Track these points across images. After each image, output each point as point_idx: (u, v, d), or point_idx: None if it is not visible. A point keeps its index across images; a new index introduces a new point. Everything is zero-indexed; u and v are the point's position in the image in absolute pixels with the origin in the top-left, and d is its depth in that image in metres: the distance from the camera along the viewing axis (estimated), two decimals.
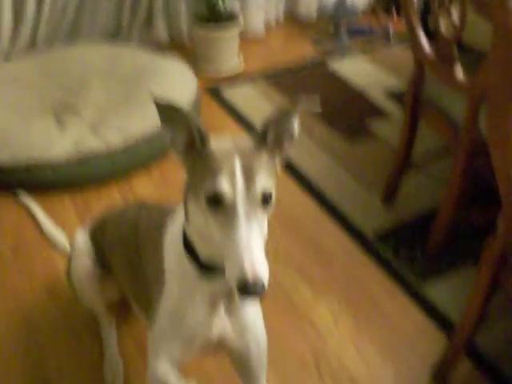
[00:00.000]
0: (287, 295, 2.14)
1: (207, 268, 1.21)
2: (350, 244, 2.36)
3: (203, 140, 1.11)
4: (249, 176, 1.04)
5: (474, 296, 1.70)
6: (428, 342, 2.00)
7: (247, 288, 0.98)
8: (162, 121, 1.12)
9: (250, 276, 0.98)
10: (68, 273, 1.88)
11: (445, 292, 2.16)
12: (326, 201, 2.57)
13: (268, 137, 1.13)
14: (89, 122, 2.71)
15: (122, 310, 2.03)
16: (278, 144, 1.15)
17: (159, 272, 1.33)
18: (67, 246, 2.19)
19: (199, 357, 1.60)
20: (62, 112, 2.77)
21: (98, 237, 1.81)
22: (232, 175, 1.04)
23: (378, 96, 3.28)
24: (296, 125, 1.17)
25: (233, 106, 3.20)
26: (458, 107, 2.07)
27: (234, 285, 1.01)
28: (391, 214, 2.49)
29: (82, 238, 1.86)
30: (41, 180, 2.54)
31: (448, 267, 2.26)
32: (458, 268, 2.24)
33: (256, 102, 3.23)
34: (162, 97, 1.09)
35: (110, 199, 2.56)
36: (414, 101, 2.26)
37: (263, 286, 0.99)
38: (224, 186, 1.03)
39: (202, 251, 1.20)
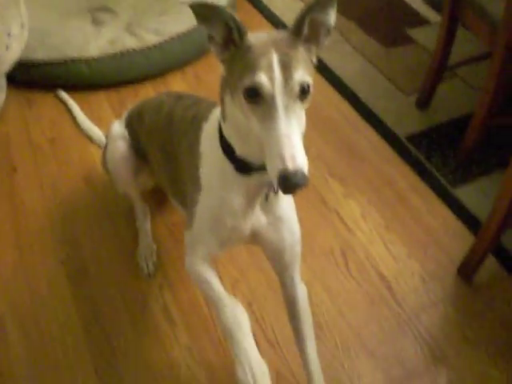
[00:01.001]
0: (318, 192, 2.17)
1: (243, 165, 1.23)
2: (382, 145, 2.37)
3: (241, 32, 1.10)
4: (286, 68, 1.04)
5: (502, 193, 1.71)
6: (456, 241, 2.02)
7: (289, 179, 0.99)
8: (198, 21, 1.11)
9: (291, 167, 0.98)
10: (103, 156, 1.93)
11: (475, 195, 2.17)
12: (360, 103, 2.56)
13: (304, 29, 1.11)
14: (124, 22, 2.71)
15: (156, 197, 2.08)
16: (315, 36, 1.13)
17: (196, 170, 1.36)
18: (103, 139, 2.24)
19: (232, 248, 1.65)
20: (98, 13, 2.77)
21: (135, 124, 1.84)
22: (270, 67, 1.04)
23: (417, 2, 3.18)
24: (333, 15, 1.14)
25: (268, 7, 3.15)
26: (496, 5, 2.01)
27: (275, 176, 1.01)
28: (425, 118, 2.48)
29: (119, 126, 1.90)
30: (77, 76, 2.57)
31: (479, 172, 2.26)
32: (489, 173, 2.24)
33: (292, 6, 3.17)
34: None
35: (145, 97, 2.57)
36: (453, 0, 2.20)
37: (304, 176, 1.00)
38: (262, 77, 1.03)
39: (239, 148, 1.21)
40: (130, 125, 1.88)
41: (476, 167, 2.26)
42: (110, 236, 2.06)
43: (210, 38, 1.13)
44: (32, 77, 2.59)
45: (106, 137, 1.97)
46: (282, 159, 0.99)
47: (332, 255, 1.99)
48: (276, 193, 1.32)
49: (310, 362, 1.53)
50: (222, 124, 1.25)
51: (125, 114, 1.94)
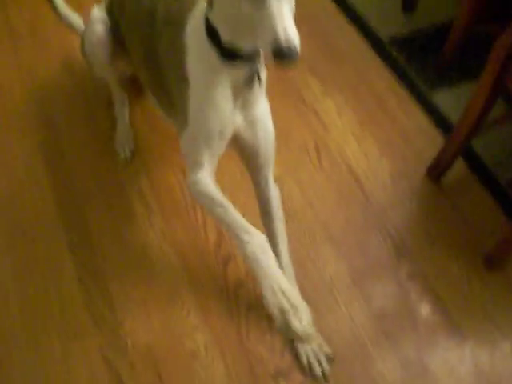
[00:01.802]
0: (297, 89, 2.19)
1: (228, 51, 1.26)
2: (363, 45, 2.37)
3: None
4: None
5: (476, 95, 1.74)
6: (428, 143, 2.07)
7: (282, 51, 1.03)
8: None
9: (283, 38, 1.03)
10: (82, 39, 1.92)
11: (451, 100, 2.19)
12: (345, 2, 2.53)
13: None
14: None
15: (134, 85, 2.08)
16: None
17: (182, 66, 1.37)
18: (82, 26, 2.21)
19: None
20: None
21: (116, 12, 1.82)
22: None
23: None
24: None
25: None
26: None
27: (268, 50, 1.05)
28: (409, 22, 2.47)
29: (98, 10, 1.88)
30: None
31: (457, 78, 2.27)
32: (467, 80, 2.26)
33: None
34: None
35: None
36: None
37: (296, 48, 1.04)
38: None
39: (226, 33, 1.23)
40: (110, 10, 1.85)
41: (454, 73, 2.28)
42: (88, 121, 2.08)
43: None
44: None
45: (86, 21, 1.95)
46: (276, 34, 1.04)
47: (306, 150, 2.03)
48: (259, 79, 1.35)
49: (282, 259, 1.61)
50: (208, 12, 1.26)
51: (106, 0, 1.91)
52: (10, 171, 1.94)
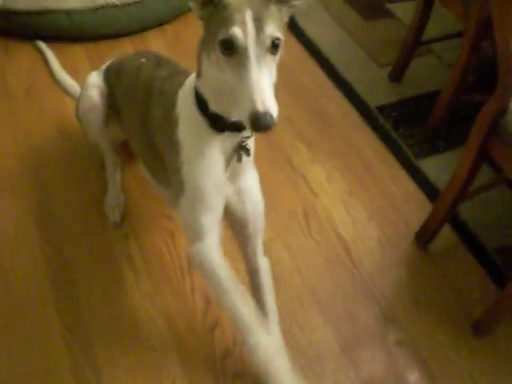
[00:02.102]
0: (286, 154, 2.23)
1: (216, 121, 1.31)
2: (352, 113, 2.43)
3: None
4: (259, 24, 1.12)
5: (462, 162, 1.78)
6: (416, 210, 2.09)
7: (258, 119, 1.07)
8: None
9: (259, 106, 1.07)
10: (77, 104, 1.96)
11: (438, 168, 2.24)
12: (334, 71, 2.61)
13: None
14: None
15: (126, 150, 2.11)
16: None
17: (173, 136, 1.41)
18: (78, 91, 2.26)
19: None
20: None
21: (112, 80, 1.87)
22: (244, 22, 1.12)
23: None
24: None
25: None
26: None
27: (246, 118, 1.09)
28: (396, 91, 2.54)
29: (95, 76, 1.93)
30: (56, 27, 2.58)
31: (444, 147, 2.33)
32: (453, 148, 2.31)
33: None
34: None
35: (123, 53, 2.59)
36: None
37: (272, 117, 1.08)
38: (237, 31, 1.11)
39: (213, 103, 1.29)
40: (107, 79, 1.91)
41: (441, 142, 2.33)
42: (80, 185, 2.10)
43: None
44: (11, 25, 2.60)
45: (82, 85, 2.00)
46: (253, 102, 1.08)
47: (295, 215, 2.05)
48: (246, 154, 1.38)
49: (272, 330, 1.60)
50: (197, 82, 1.32)
51: (103, 67, 1.97)
52: (2, 231, 1.94)
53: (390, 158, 2.26)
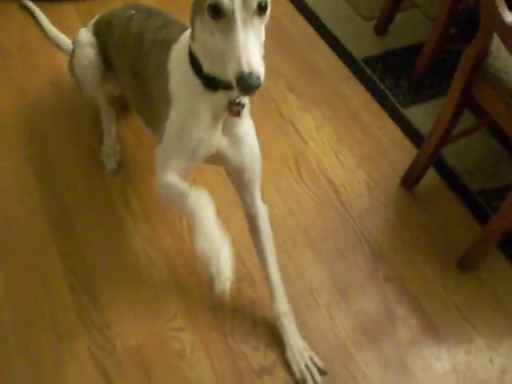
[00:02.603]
0: (276, 104, 2.29)
1: (210, 81, 1.35)
2: (339, 65, 2.49)
3: None
4: None
5: (445, 106, 1.85)
6: (402, 155, 2.17)
7: (244, 79, 1.11)
8: None
9: (245, 68, 1.11)
10: (70, 61, 2.01)
11: (423, 116, 2.31)
12: (321, 25, 2.66)
13: None
14: None
15: (121, 102, 2.16)
16: None
17: (165, 86, 1.46)
18: (70, 46, 2.30)
19: (199, 166, 1.75)
20: None
21: (103, 34, 1.91)
22: None
23: None
24: None
25: None
26: None
27: (233, 79, 1.14)
28: (382, 43, 2.60)
29: (86, 33, 1.96)
30: None
31: (429, 95, 2.39)
32: (437, 97, 2.37)
33: None
34: None
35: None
36: None
37: (258, 77, 1.12)
38: None
39: (207, 65, 1.33)
40: (97, 33, 1.94)
41: (426, 90, 2.40)
42: (76, 136, 2.15)
43: None
44: None
45: (73, 43, 2.04)
46: (239, 63, 1.11)
47: (285, 162, 2.13)
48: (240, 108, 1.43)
49: (272, 276, 1.68)
50: (191, 44, 1.36)
51: (92, 22, 2.00)
52: (1, 183, 2.00)
53: (376, 108, 2.33)
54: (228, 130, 1.49)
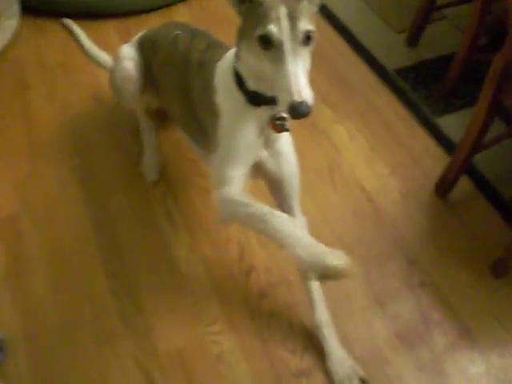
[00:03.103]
0: (311, 116, 2.34)
1: (254, 97, 1.43)
2: (371, 77, 2.54)
3: None
4: (292, 19, 1.24)
5: (476, 113, 1.89)
6: (434, 163, 2.21)
7: (296, 108, 1.19)
8: None
9: (297, 97, 1.18)
10: (112, 75, 2.09)
11: (454, 125, 2.35)
12: (353, 39, 2.72)
13: None
14: None
15: (160, 117, 2.25)
16: None
17: (212, 102, 1.54)
18: (110, 63, 2.40)
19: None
20: None
21: (147, 51, 1.99)
22: (278, 19, 1.24)
23: None
24: None
25: None
26: None
27: (284, 107, 1.21)
28: (413, 55, 2.65)
29: (128, 48, 2.05)
30: (84, 5, 2.72)
31: (460, 105, 2.43)
32: (468, 106, 2.40)
33: None
34: None
35: (151, 27, 2.71)
36: None
37: (308, 105, 1.20)
38: (273, 28, 1.23)
39: (251, 81, 1.41)
40: (141, 49, 2.02)
41: (457, 100, 2.44)
42: (117, 148, 2.24)
43: None
44: (44, 5, 2.74)
45: (115, 57, 2.12)
46: (290, 93, 1.19)
47: (320, 172, 2.18)
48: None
49: (312, 286, 1.71)
50: (236, 63, 1.44)
51: (135, 38, 2.08)
52: (47, 193, 2.09)
53: (408, 117, 2.37)
54: (268, 143, 1.56)
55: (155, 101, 2.13)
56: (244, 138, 1.51)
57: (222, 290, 1.86)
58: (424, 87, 2.49)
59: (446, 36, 2.73)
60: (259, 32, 1.25)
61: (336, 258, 1.31)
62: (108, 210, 2.05)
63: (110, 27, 2.75)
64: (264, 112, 1.46)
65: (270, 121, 1.47)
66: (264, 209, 1.43)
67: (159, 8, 2.82)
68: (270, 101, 1.40)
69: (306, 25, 1.25)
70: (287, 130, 1.51)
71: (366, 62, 2.61)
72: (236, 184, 1.55)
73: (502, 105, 1.80)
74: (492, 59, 1.77)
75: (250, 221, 1.47)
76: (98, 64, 2.49)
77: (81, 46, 2.59)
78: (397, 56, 2.63)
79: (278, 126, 1.48)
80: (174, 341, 1.75)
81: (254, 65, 1.33)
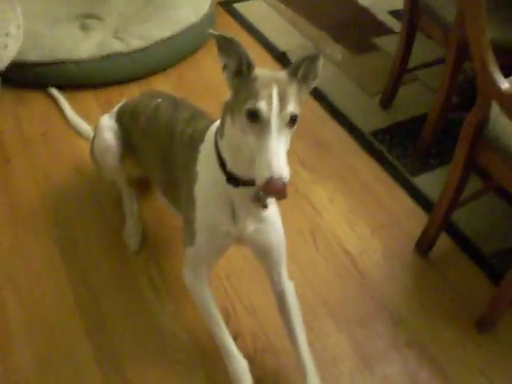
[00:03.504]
0: (290, 181, 2.35)
1: (234, 179, 1.47)
2: (348, 139, 2.60)
3: (250, 66, 1.35)
4: (282, 99, 1.29)
5: (452, 172, 1.93)
6: (414, 222, 2.24)
7: (273, 183, 1.22)
8: (218, 51, 1.36)
9: (275, 173, 1.22)
10: (91, 145, 2.13)
11: (431, 183, 2.40)
12: (329, 103, 2.80)
13: (299, 72, 1.37)
14: (111, 29, 2.93)
15: (141, 186, 2.27)
16: (305, 80, 1.40)
17: (191, 187, 1.59)
18: (91, 133, 2.43)
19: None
20: (86, 19, 2.98)
21: (126, 121, 2.04)
22: (270, 98, 1.29)
23: (382, 13, 3.45)
24: (319, 66, 1.42)
25: (245, 18, 3.39)
26: (448, 10, 2.25)
27: (260, 181, 1.24)
28: (388, 116, 2.72)
29: (108, 118, 2.10)
30: (67, 76, 2.77)
31: (435, 163, 2.50)
32: (444, 164, 2.47)
33: (267, 15, 3.44)
34: (220, 32, 1.33)
35: (131, 97, 2.77)
36: (412, 6, 2.44)
37: (284, 183, 1.23)
38: (263, 105, 1.28)
39: (230, 163, 1.46)
40: (120, 119, 2.07)
41: (433, 159, 2.50)
42: (99, 218, 2.24)
43: (225, 66, 1.37)
44: (25, 76, 2.79)
45: (95, 128, 2.16)
46: (270, 168, 1.22)
47: (302, 234, 2.20)
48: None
49: (302, 352, 1.69)
50: (218, 140, 1.48)
51: (115, 109, 2.13)
52: (29, 265, 2.08)
53: (386, 178, 2.42)
54: (254, 214, 1.58)
55: (136, 170, 2.16)
56: (222, 224, 1.56)
57: (208, 358, 1.83)
58: (400, 148, 2.55)
59: (419, 97, 2.82)
60: (250, 106, 1.28)
61: None
62: (90, 280, 2.03)
63: (90, 97, 2.80)
64: (242, 192, 1.49)
65: (254, 197, 1.50)
66: (228, 340, 1.68)
67: (138, 78, 2.88)
68: (247, 182, 1.44)
69: (293, 108, 1.30)
70: (266, 207, 1.54)
71: (342, 125, 2.67)
72: (204, 270, 1.72)
73: (476, 162, 1.85)
74: (464, 117, 1.83)
75: (210, 326, 1.72)
76: (80, 134, 2.54)
77: (64, 116, 2.64)
78: (372, 118, 2.70)
79: (261, 204, 1.52)
80: None
81: (236, 138, 1.37)
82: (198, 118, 1.77)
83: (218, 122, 1.51)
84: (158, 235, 2.18)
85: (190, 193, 1.60)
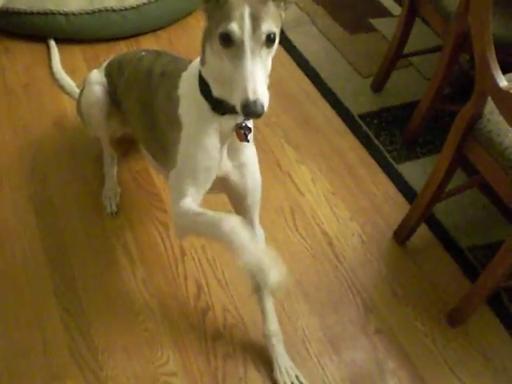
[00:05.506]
0: (274, 155, 2.35)
1: (218, 104, 1.42)
2: (336, 120, 2.56)
3: None
4: (255, 19, 1.24)
5: (439, 164, 1.91)
6: (395, 210, 2.22)
7: (249, 106, 1.19)
8: None
9: (251, 95, 1.18)
10: (78, 99, 2.06)
11: (416, 172, 2.37)
12: (320, 81, 2.75)
13: None
14: None
15: (123, 146, 2.23)
16: None
17: (175, 113, 1.52)
18: (74, 90, 2.38)
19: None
20: None
21: (114, 75, 1.97)
22: (241, 18, 1.23)
23: None
24: None
25: None
26: (453, 1, 2.21)
27: (238, 105, 1.21)
28: (378, 100, 2.68)
29: (97, 73, 2.03)
30: (55, 28, 2.69)
31: (422, 153, 2.46)
32: (430, 154, 2.45)
33: None
34: None
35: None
36: None
37: (262, 105, 1.19)
38: (234, 26, 1.23)
39: (215, 88, 1.40)
40: (109, 74, 2.01)
41: (419, 148, 2.47)
42: (77, 177, 2.20)
43: None
44: (11, 25, 2.71)
45: (84, 82, 2.09)
46: (245, 90, 1.19)
47: (282, 212, 2.17)
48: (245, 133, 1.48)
49: (266, 299, 1.72)
50: (201, 68, 1.42)
51: (104, 64, 2.07)
52: (1, 220, 2.03)
53: (371, 163, 2.40)
54: (233, 155, 1.54)
55: (120, 128, 2.11)
56: (206, 151, 1.49)
57: (176, 329, 1.82)
58: (387, 133, 2.52)
59: (411, 83, 2.78)
60: (221, 29, 1.24)
61: (275, 275, 1.29)
62: (64, 240, 2.00)
63: (77, 52, 2.73)
64: (228, 121, 1.45)
65: (235, 128, 1.46)
66: (217, 214, 1.42)
67: (128, 37, 2.81)
68: (233, 109, 1.36)
69: (268, 26, 1.25)
70: (247, 141, 1.49)
71: (331, 104, 2.63)
72: (193, 198, 1.53)
73: (464, 155, 1.83)
74: (455, 110, 1.80)
75: (202, 227, 1.47)
76: (63, 89, 2.47)
77: (50, 69, 2.58)
78: (362, 101, 2.66)
79: (241, 134, 1.47)
80: (125, 380, 1.70)
81: (217, 65, 1.33)
82: (178, 60, 1.72)
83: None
84: (136, 200, 2.15)
85: (173, 116, 1.53)
